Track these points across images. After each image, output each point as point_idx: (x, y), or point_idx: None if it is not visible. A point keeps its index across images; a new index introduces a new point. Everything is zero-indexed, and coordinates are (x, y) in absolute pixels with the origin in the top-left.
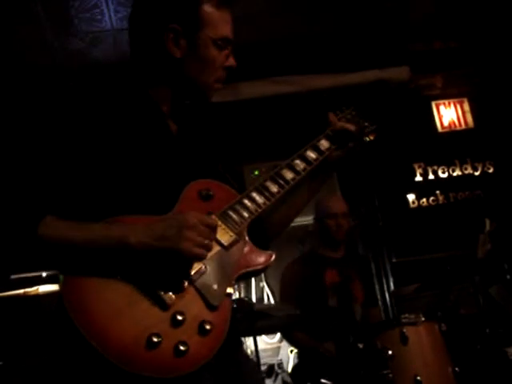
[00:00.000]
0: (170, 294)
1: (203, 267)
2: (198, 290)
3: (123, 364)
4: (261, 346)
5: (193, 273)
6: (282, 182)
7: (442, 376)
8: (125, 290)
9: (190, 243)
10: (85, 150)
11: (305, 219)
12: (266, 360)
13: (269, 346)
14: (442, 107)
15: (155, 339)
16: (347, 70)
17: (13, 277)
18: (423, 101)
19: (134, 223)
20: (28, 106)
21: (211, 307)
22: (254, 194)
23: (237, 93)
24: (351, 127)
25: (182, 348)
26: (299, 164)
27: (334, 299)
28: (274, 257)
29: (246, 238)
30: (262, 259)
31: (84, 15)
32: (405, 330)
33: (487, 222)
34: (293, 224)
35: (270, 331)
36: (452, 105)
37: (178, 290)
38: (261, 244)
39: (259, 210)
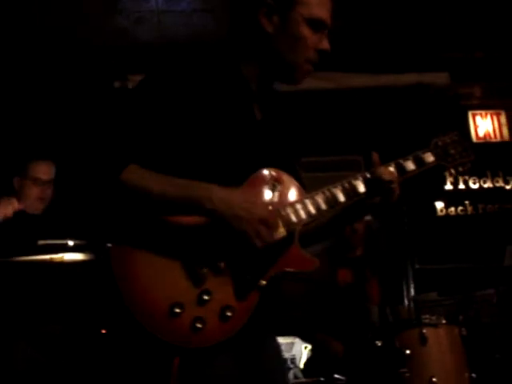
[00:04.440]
0: (206, 271)
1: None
2: (232, 275)
3: (149, 326)
4: None
5: (235, 257)
6: (352, 193)
7: (458, 380)
8: (167, 260)
9: (254, 232)
10: (172, 113)
11: None
12: None
13: (283, 341)
14: (478, 118)
15: (177, 310)
16: (385, 71)
17: (41, 242)
18: (460, 110)
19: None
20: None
21: (238, 295)
22: (320, 200)
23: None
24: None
25: (197, 325)
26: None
27: (348, 299)
28: (317, 265)
29: (296, 239)
30: (303, 264)
31: None
32: (424, 331)
33: None
34: None
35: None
36: (489, 116)
37: (215, 270)
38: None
39: (318, 216)
